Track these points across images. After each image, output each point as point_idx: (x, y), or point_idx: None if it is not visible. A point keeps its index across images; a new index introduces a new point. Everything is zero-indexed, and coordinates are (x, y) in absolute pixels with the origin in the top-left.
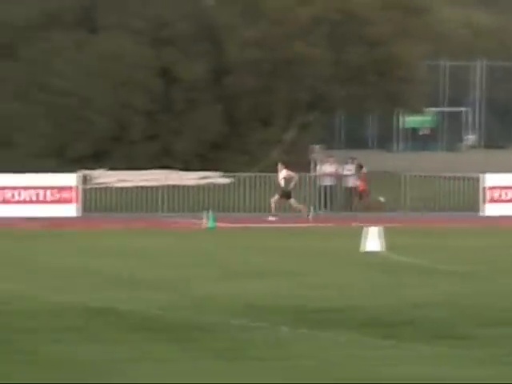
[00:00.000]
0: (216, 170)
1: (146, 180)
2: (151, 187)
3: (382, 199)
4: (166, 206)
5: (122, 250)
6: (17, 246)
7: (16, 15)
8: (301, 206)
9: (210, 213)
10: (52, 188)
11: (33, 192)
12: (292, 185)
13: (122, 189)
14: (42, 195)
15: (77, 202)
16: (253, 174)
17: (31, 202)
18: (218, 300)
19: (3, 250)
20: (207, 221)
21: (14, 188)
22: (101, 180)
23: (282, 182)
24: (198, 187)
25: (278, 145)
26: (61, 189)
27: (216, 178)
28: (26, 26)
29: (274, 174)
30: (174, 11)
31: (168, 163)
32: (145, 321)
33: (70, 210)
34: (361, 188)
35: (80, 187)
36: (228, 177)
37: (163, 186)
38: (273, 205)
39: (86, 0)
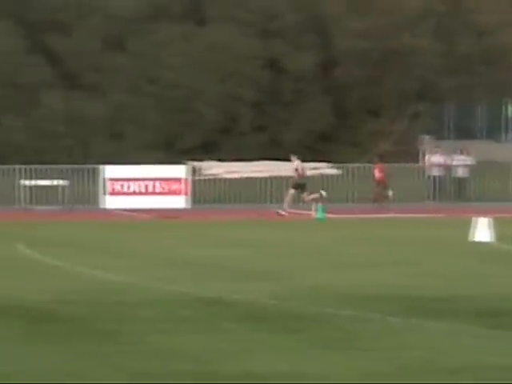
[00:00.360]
0: (325, 161)
1: (255, 171)
2: (260, 178)
3: (390, 193)
4: (274, 197)
5: (230, 241)
6: (127, 237)
7: (124, 7)
8: (288, 199)
9: (319, 204)
10: (161, 180)
11: (142, 184)
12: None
13: (230, 180)
14: (152, 187)
15: (186, 193)
16: (361, 165)
17: (141, 193)
18: (326, 290)
19: (115, 242)
20: (316, 212)
21: (124, 180)
22: (210, 171)
23: (295, 174)
24: (307, 178)
25: (387, 136)
26: (170, 180)
27: (324, 168)
28: (134, 18)
29: (385, 165)
30: (281, 2)
31: (276, 154)
32: (253, 311)
33: (180, 202)
34: (379, 178)
35: (189, 179)
36: (337, 168)
37: (272, 177)
38: (308, 198)
39: None
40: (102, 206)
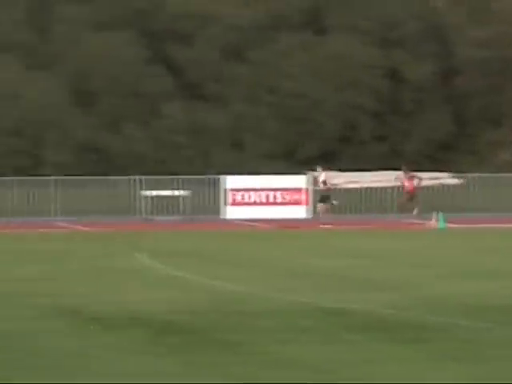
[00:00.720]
0: (445, 170)
1: (375, 181)
2: (380, 188)
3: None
4: (395, 207)
5: (350, 251)
6: (248, 248)
7: (242, 17)
8: (324, 208)
9: (441, 213)
10: (282, 190)
11: (263, 194)
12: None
13: (350, 190)
14: (272, 197)
15: (307, 203)
16: (483, 175)
17: (261, 203)
18: (444, 300)
19: (235, 252)
20: (437, 221)
21: (245, 190)
22: (330, 181)
23: (322, 186)
24: (428, 188)
25: (507, 145)
26: (291, 190)
27: (445, 178)
28: (252, 27)
29: (506, 175)
30: (401, 11)
31: (397, 164)
32: (371, 321)
33: (300, 212)
34: (410, 189)
35: (310, 189)
36: (458, 177)
37: (392, 187)
38: (319, 209)
39: (312, 1)
40: (222, 217)
